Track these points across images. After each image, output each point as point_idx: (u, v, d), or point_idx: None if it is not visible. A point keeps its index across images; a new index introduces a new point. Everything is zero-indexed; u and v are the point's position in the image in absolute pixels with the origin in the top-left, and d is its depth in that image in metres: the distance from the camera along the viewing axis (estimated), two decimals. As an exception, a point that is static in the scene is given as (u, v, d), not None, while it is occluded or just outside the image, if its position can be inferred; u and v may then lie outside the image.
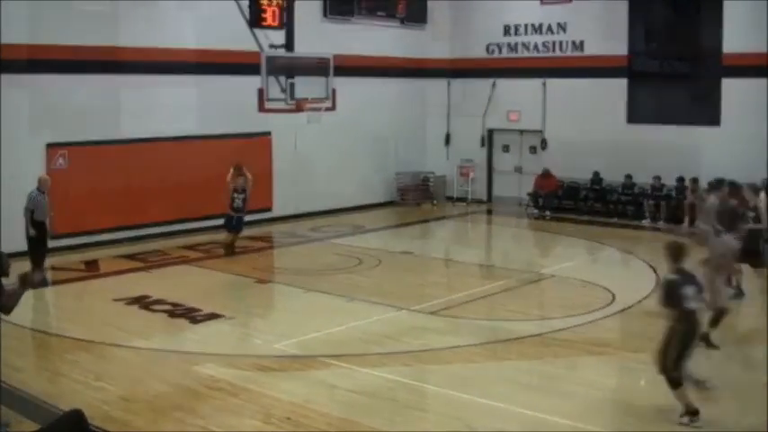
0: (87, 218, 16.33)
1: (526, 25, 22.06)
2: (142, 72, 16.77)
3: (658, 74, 20.51)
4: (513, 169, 22.88)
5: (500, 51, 22.53)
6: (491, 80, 22.29)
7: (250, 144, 18.64)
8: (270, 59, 14.88)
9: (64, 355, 10.22)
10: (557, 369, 9.57)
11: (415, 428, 7.96)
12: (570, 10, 21.19)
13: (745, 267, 12.37)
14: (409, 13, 22.42)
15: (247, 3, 15.25)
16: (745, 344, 10.73)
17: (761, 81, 17.86)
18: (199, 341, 10.66)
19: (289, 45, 15.62)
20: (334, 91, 15.55)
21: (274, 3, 15.18)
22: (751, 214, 12.33)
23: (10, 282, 7.42)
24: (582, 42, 21.13)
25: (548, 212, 21.04)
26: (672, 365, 7.78)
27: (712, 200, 13.09)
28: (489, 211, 22.47)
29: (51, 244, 14.23)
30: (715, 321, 9.96)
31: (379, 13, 21.71)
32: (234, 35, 16.37)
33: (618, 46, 20.40)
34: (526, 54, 22.10)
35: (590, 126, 20.57)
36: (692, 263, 8.20)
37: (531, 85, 21.65)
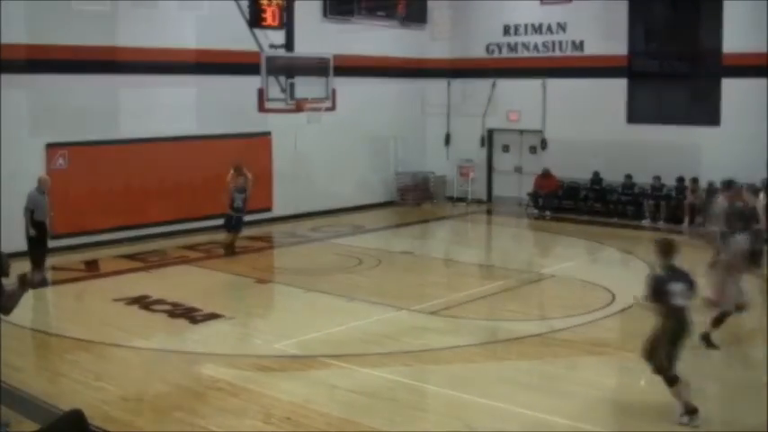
0: (87, 218, 16.34)
1: (526, 25, 22.07)
2: (142, 72, 16.77)
3: (658, 74, 20.51)
4: (513, 169, 22.88)
5: (500, 51, 22.54)
6: (491, 80, 22.29)
7: (250, 144, 18.63)
8: (270, 59, 14.89)
9: (64, 355, 10.22)
10: (557, 369, 9.57)
11: (415, 428, 7.96)
12: (570, 10, 21.19)
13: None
14: (409, 13, 22.42)
15: (247, 3, 15.26)
16: (745, 344, 10.73)
17: (761, 81, 17.86)
18: (199, 341, 10.66)
19: (289, 45, 15.63)
20: (333, 91, 15.56)
21: (274, 3, 15.18)
22: (723, 219, 12.38)
23: (10, 282, 7.42)
24: (582, 42, 21.13)
25: (548, 212, 21.04)
26: (667, 364, 7.80)
27: (721, 201, 13.10)
28: (489, 211, 22.48)
29: (51, 244, 14.22)
30: (718, 322, 9.96)
31: (378, 13, 21.71)
32: (234, 35, 16.37)
33: (618, 46, 20.40)
34: (526, 54, 22.11)
35: (590, 126, 20.57)
36: (683, 261, 8.20)
37: (531, 85, 21.65)
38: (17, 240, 13.08)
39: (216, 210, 16.61)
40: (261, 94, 14.80)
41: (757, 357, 9.90)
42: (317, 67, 15.53)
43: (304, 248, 17.31)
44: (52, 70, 15.60)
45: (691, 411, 7.74)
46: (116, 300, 12.56)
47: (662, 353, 7.84)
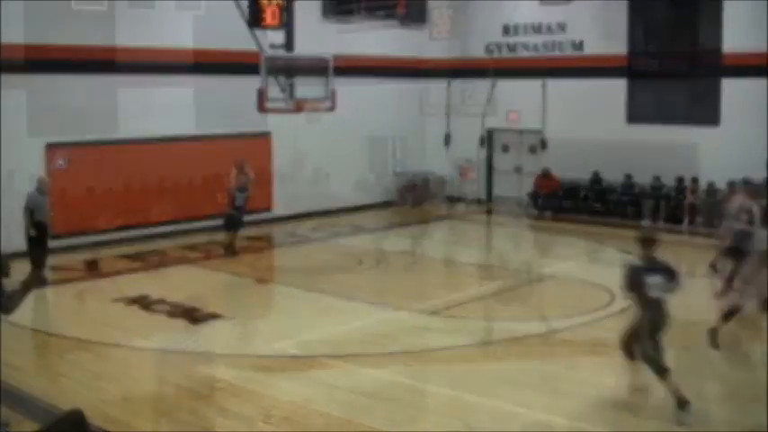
0: (87, 218, 16.35)
1: (526, 25, 22.07)
2: (142, 72, 16.77)
3: (658, 74, 20.50)
4: (513, 169, 22.88)
5: (500, 51, 22.54)
6: (491, 80, 22.28)
7: (250, 144, 18.64)
8: (270, 60, 14.89)
9: (64, 355, 10.22)
10: (557, 369, 9.57)
11: (415, 428, 7.96)
12: (570, 10, 21.19)
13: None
14: (409, 13, 22.41)
15: (247, 3, 15.25)
16: (744, 344, 10.72)
17: (761, 81, 17.85)
18: (199, 341, 10.66)
19: (288, 45, 15.62)
20: (333, 91, 15.56)
21: (274, 3, 15.17)
22: (744, 217, 12.39)
23: (11, 282, 7.42)
24: (582, 42, 21.13)
25: (548, 212, 21.04)
26: (654, 355, 7.87)
27: (740, 199, 13.09)
28: (489, 211, 22.47)
29: (51, 244, 14.22)
30: (728, 317, 9.95)
31: (378, 13, 21.70)
32: (234, 35, 16.37)
33: (617, 46, 20.41)
34: (526, 54, 22.12)
35: (590, 126, 20.57)
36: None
37: (531, 85, 21.65)
38: (17, 240, 13.08)
39: (216, 210, 16.62)
40: (261, 94, 14.79)
41: (757, 357, 9.88)
42: (317, 68, 15.52)
43: (304, 248, 17.31)
44: (53, 70, 15.61)
45: (682, 403, 7.77)
46: (116, 300, 12.56)
47: (648, 346, 7.94)
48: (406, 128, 22.69)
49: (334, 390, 8.86)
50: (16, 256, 11.81)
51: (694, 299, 12.18)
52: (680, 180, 19.32)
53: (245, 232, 16.59)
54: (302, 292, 13.27)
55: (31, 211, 13.38)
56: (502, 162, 23.18)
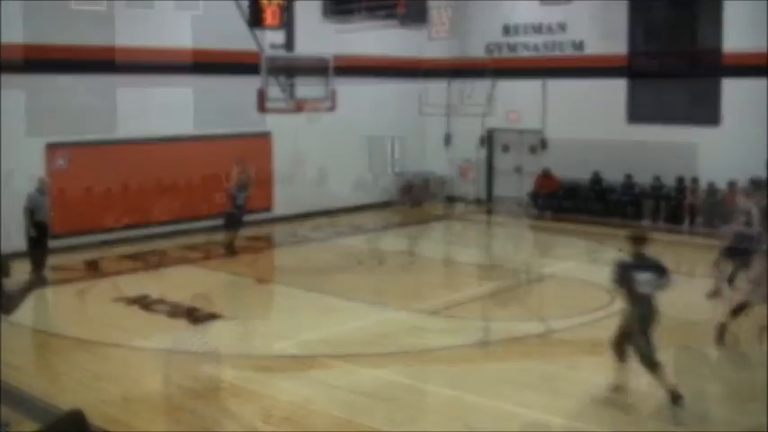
0: (87, 218, 16.35)
1: (526, 25, 22.07)
2: (142, 72, 16.78)
3: (658, 73, 20.49)
4: (513, 169, 22.88)
5: (500, 51, 22.54)
6: (491, 80, 22.28)
7: (250, 144, 18.64)
8: (270, 60, 14.89)
9: (64, 355, 10.22)
10: (556, 369, 9.57)
11: (415, 428, 7.96)
12: (570, 10, 21.19)
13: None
14: (409, 13, 22.39)
15: (247, 3, 15.26)
16: (744, 344, 10.72)
17: (761, 81, 17.85)
18: (199, 341, 10.65)
19: (289, 45, 15.63)
20: (334, 91, 15.56)
21: (274, 2, 15.17)
22: (742, 218, 12.42)
23: (11, 282, 7.43)
24: (582, 42, 21.13)
25: (548, 212, 21.03)
26: (646, 350, 7.92)
27: (747, 201, 13.12)
28: (489, 211, 22.47)
29: (51, 244, 14.23)
30: (737, 312, 9.97)
31: (378, 13, 21.69)
32: (234, 35, 16.37)
33: (618, 46, 20.40)
34: (526, 54, 22.12)
35: (590, 126, 20.56)
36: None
37: (531, 85, 21.65)
38: (17, 240, 13.09)
39: (216, 210, 16.62)
40: (261, 94, 14.80)
41: (757, 357, 9.87)
42: (317, 68, 15.53)
43: (304, 248, 17.31)
44: (53, 70, 15.62)
45: (676, 398, 7.80)
46: (116, 300, 12.57)
47: (640, 341, 8.05)
48: (406, 128, 22.70)
49: (334, 390, 8.86)
50: (16, 256, 11.84)
51: (694, 299, 12.24)
52: (680, 180, 19.32)
53: (245, 232, 16.59)
54: (302, 292, 13.27)
55: (31, 212, 13.39)
56: (502, 162, 23.18)
